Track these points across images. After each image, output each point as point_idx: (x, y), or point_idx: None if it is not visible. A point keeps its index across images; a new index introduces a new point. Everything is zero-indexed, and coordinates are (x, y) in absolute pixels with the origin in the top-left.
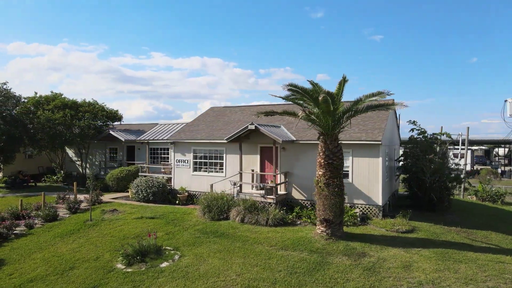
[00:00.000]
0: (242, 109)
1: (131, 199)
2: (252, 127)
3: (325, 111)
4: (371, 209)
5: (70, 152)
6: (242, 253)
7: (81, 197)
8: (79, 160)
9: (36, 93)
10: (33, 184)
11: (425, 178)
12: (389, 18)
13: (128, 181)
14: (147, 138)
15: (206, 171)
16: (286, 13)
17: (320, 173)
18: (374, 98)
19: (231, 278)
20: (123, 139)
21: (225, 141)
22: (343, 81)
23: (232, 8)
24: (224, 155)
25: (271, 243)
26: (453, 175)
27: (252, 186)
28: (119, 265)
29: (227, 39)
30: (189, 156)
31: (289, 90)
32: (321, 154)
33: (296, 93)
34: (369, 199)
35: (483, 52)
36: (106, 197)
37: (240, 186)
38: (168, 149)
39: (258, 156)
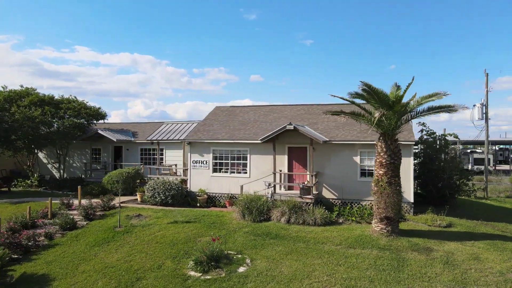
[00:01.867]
0: (253, 109)
1: (144, 203)
2: (291, 127)
3: (396, 111)
4: (403, 206)
5: (42, 154)
6: (314, 254)
7: (82, 202)
8: (56, 162)
9: (5, 87)
10: (6, 189)
11: (443, 176)
12: (320, 23)
13: (128, 183)
14: (156, 138)
15: (227, 172)
16: (221, 13)
17: (381, 172)
18: (430, 99)
19: (324, 279)
20: (114, 139)
21: (259, 141)
22: (410, 83)
23: (165, 4)
24: (248, 155)
25: (334, 242)
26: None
27: (280, 186)
28: (192, 272)
29: (159, 36)
30: (208, 157)
31: (363, 90)
32: (382, 154)
33: (367, 93)
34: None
35: (401, 59)
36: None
37: (274, 186)
38: (161, 150)
39: (286, 157)
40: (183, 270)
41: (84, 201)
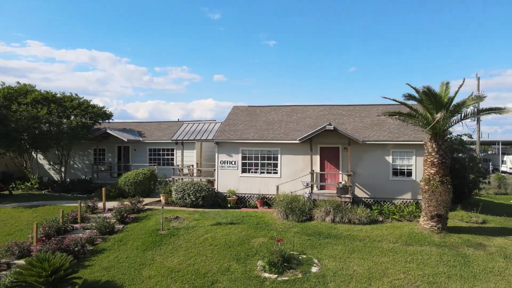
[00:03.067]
0: (273, 109)
1: (170, 204)
2: (331, 127)
3: (450, 112)
4: None
5: (38, 155)
6: (377, 252)
7: (109, 205)
8: (57, 164)
9: (3, 83)
10: (7, 192)
11: (464, 175)
12: (283, 25)
13: (145, 185)
14: (181, 138)
15: (256, 172)
16: (184, 11)
17: (432, 171)
18: (475, 101)
19: (402, 277)
20: (125, 139)
21: (297, 141)
22: (461, 84)
23: (124, 0)
24: (279, 155)
25: (390, 240)
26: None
27: (313, 186)
28: (266, 274)
29: (119, 32)
30: (237, 157)
31: (423, 92)
32: (433, 154)
33: (425, 95)
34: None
35: (360, 62)
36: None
37: (312, 186)
38: (172, 150)
39: (318, 157)
40: (254, 272)
41: (111, 204)
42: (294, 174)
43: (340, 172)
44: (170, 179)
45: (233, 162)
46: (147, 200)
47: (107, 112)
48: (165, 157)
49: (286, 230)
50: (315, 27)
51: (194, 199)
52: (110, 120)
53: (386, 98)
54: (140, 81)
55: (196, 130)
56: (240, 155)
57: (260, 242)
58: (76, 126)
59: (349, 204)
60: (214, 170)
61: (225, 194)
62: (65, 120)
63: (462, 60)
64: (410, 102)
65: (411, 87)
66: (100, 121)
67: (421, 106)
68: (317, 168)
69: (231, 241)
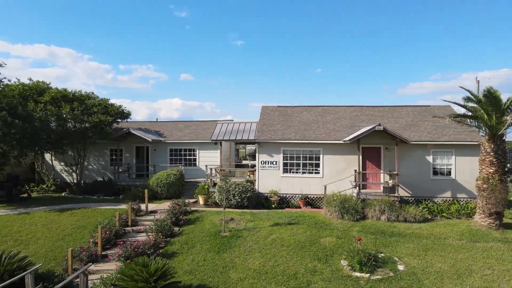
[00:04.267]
0: (304, 109)
1: (212, 206)
2: (380, 128)
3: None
4: (472, 202)
5: (48, 156)
6: (450, 249)
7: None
8: (72, 165)
9: (18, 80)
10: (26, 195)
11: None
12: (250, 25)
13: (177, 186)
14: (220, 138)
15: (298, 172)
16: (150, 8)
17: (491, 170)
18: None
19: (488, 273)
20: (149, 139)
21: (342, 142)
22: None
23: None
24: (321, 156)
25: (453, 237)
26: None
27: (360, 186)
28: (357, 273)
29: (81, 28)
30: (278, 157)
31: (483, 95)
32: (491, 154)
33: (486, 98)
34: (471, 192)
35: (327, 64)
36: (166, 205)
37: (359, 186)
38: (193, 150)
39: (360, 156)
40: (342, 271)
41: (151, 206)
42: (336, 174)
43: (382, 171)
44: (199, 180)
45: (274, 162)
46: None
47: (124, 111)
48: (187, 157)
49: (347, 230)
50: (284, 27)
51: (239, 200)
52: (127, 120)
53: (446, 101)
54: (103, 79)
55: (233, 130)
56: (281, 155)
57: (330, 241)
58: (100, 124)
59: (397, 202)
60: (255, 170)
61: (266, 194)
62: (89, 118)
63: (422, 62)
64: (470, 104)
65: (467, 90)
66: (118, 120)
67: (478, 108)
68: (359, 168)
69: (300, 241)
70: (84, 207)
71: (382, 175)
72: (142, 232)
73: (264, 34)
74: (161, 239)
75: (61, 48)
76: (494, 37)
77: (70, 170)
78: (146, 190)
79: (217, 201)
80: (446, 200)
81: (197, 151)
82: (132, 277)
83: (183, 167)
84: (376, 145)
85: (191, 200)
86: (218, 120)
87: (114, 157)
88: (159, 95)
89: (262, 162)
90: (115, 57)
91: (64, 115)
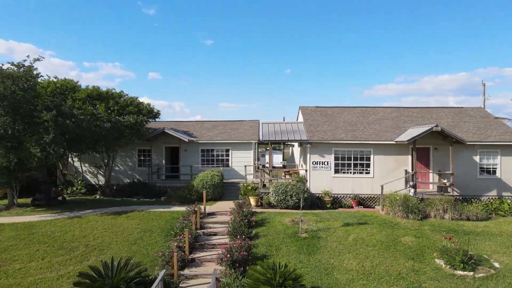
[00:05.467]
0: (343, 110)
1: (263, 207)
2: (438, 129)
3: None
4: None
5: (73, 158)
6: None
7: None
8: (100, 167)
9: (48, 76)
10: (60, 198)
11: None
12: (219, 24)
13: (220, 187)
14: (270, 139)
15: (349, 172)
16: (116, 4)
17: None
18: None
19: None
20: (186, 139)
21: (405, 142)
22: None
23: None
24: (372, 156)
25: None
26: None
27: (416, 185)
28: (459, 272)
29: (42, 23)
30: (329, 158)
31: None
32: None
33: None
34: None
35: (296, 63)
36: (219, 206)
37: (415, 185)
38: (226, 150)
39: (410, 157)
40: (443, 270)
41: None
42: (387, 174)
43: (431, 171)
44: (234, 180)
45: (325, 163)
46: (229, 203)
47: (154, 110)
48: (219, 158)
49: (419, 228)
50: (252, 27)
51: (296, 200)
52: (156, 119)
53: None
54: (66, 76)
55: (280, 130)
56: (333, 156)
57: (410, 240)
58: (135, 124)
59: (453, 201)
60: (307, 171)
61: (318, 194)
62: (124, 117)
63: (387, 64)
64: None
65: None
66: (149, 120)
67: None
68: (409, 168)
69: (382, 241)
70: (135, 210)
71: (431, 174)
72: (213, 235)
73: (234, 34)
74: (246, 241)
75: (19, 43)
76: (452, 44)
77: (95, 172)
78: (204, 192)
79: (273, 202)
80: (491, 198)
81: (230, 151)
82: (268, 281)
83: (221, 168)
84: (425, 146)
85: (238, 201)
86: (244, 120)
87: (142, 158)
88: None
89: (314, 163)
90: (80, 54)
91: (101, 114)
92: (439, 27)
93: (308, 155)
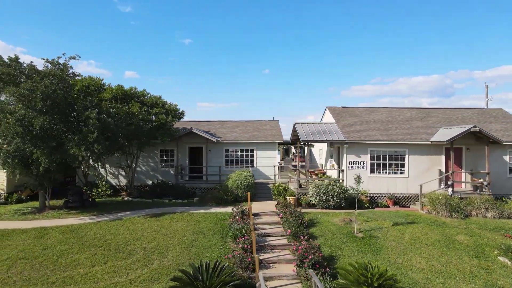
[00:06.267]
0: (371, 110)
1: (307, 207)
2: (476, 129)
3: None
4: None
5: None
6: None
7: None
8: (124, 167)
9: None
10: (90, 200)
11: None
12: (198, 23)
13: (253, 188)
14: (310, 139)
15: (384, 172)
16: (91, 0)
17: None
18: None
19: None
20: (214, 140)
21: (445, 142)
22: None
23: None
24: (406, 156)
25: None
26: None
27: (440, 184)
28: None
29: (12, 18)
30: (365, 158)
31: None
32: None
33: None
34: None
35: (273, 64)
36: (257, 207)
37: (452, 184)
38: (251, 151)
39: (443, 157)
40: (510, 267)
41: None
42: (421, 174)
43: (463, 171)
44: (261, 181)
45: (361, 163)
46: (265, 203)
47: (178, 110)
48: (244, 158)
49: (467, 227)
50: (232, 26)
51: (338, 200)
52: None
53: None
54: None
55: (316, 131)
56: (368, 156)
57: (465, 239)
58: (165, 123)
59: (493, 200)
60: (343, 171)
61: (358, 194)
62: (153, 117)
63: (363, 65)
64: None
65: None
66: (175, 119)
67: None
68: (442, 168)
69: (437, 240)
70: (175, 212)
71: (463, 174)
72: (267, 236)
73: (213, 33)
74: (310, 242)
75: None
76: (426, 46)
77: (116, 173)
78: (248, 193)
79: (314, 202)
80: None
81: (255, 151)
82: (357, 280)
83: (251, 168)
84: (458, 146)
85: (273, 202)
86: (264, 120)
87: (165, 159)
88: None
89: (350, 163)
90: (53, 51)
91: (135, 114)
92: (413, 29)
93: (345, 155)
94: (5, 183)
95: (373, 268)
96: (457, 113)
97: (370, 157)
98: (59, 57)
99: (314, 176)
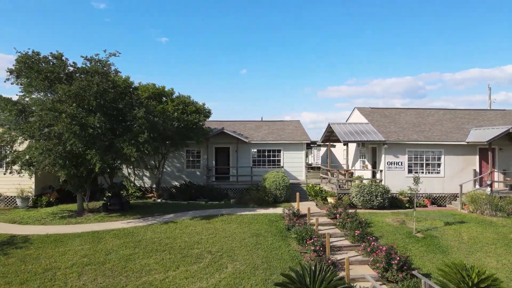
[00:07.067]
0: (401, 111)
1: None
2: None
3: None
4: None
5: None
6: None
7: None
8: (153, 169)
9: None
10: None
11: None
12: (174, 21)
13: (290, 189)
14: (352, 139)
15: (421, 172)
16: None
17: None
18: None
19: None
20: (246, 140)
21: (485, 143)
22: None
23: None
24: (442, 156)
25: None
26: None
27: (475, 183)
28: None
29: None
30: (403, 158)
31: None
32: None
33: None
34: None
35: (255, 64)
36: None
37: (491, 184)
38: (278, 151)
39: (477, 157)
40: None
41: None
42: (455, 174)
43: (496, 170)
44: (294, 181)
45: (399, 163)
46: (306, 204)
47: (207, 109)
48: (271, 158)
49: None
50: (210, 25)
51: (381, 200)
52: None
53: None
54: (1, 71)
55: (353, 131)
56: (406, 156)
57: None
58: (198, 123)
59: None
60: (381, 171)
61: (393, 194)
62: (187, 117)
63: (339, 66)
64: None
65: None
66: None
67: None
68: (476, 168)
69: (495, 239)
70: (222, 214)
71: (496, 173)
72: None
73: (189, 32)
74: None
75: None
76: (400, 47)
77: (140, 174)
78: (298, 194)
79: (358, 202)
80: None
81: (282, 152)
82: (461, 281)
83: (278, 169)
84: (492, 146)
85: (311, 203)
86: (285, 120)
87: (191, 159)
88: None
89: (388, 163)
90: (21, 46)
91: (171, 113)
92: (388, 31)
93: (383, 155)
94: (33, 186)
95: (472, 269)
96: (482, 114)
97: (408, 157)
98: (97, 54)
99: (341, 176)
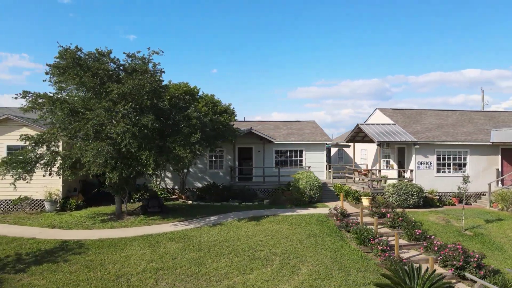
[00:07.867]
0: (421, 112)
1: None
2: None
3: None
4: None
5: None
6: None
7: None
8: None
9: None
10: None
11: None
12: (142, 19)
13: (322, 189)
14: (386, 140)
15: (449, 172)
16: None
17: None
18: None
19: None
20: (274, 140)
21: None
22: None
23: None
24: (468, 156)
25: None
26: None
27: (498, 182)
28: None
29: None
30: (432, 158)
31: None
32: None
33: None
34: None
35: (223, 64)
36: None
37: None
38: (300, 151)
39: (499, 157)
40: None
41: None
42: (479, 173)
43: None
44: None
45: (429, 163)
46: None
47: (233, 110)
48: (293, 158)
49: None
50: (183, 25)
51: (417, 199)
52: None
53: None
54: None
55: (385, 131)
56: (435, 156)
57: None
58: (227, 124)
59: None
60: (411, 171)
61: (427, 194)
62: (217, 117)
63: (308, 66)
64: None
65: None
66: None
67: None
68: (499, 167)
69: None
70: (268, 215)
71: None
72: (380, 236)
73: (158, 31)
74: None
75: None
76: (365, 49)
77: (162, 175)
78: (341, 194)
79: (394, 202)
80: None
81: (304, 152)
82: None
83: (309, 167)
84: None
85: (344, 203)
86: (301, 121)
87: (214, 160)
88: (36, 88)
89: (419, 163)
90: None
91: (204, 113)
92: (355, 34)
93: (413, 155)
94: (60, 188)
95: None
96: (497, 115)
97: (437, 157)
98: (138, 51)
99: (363, 176)
